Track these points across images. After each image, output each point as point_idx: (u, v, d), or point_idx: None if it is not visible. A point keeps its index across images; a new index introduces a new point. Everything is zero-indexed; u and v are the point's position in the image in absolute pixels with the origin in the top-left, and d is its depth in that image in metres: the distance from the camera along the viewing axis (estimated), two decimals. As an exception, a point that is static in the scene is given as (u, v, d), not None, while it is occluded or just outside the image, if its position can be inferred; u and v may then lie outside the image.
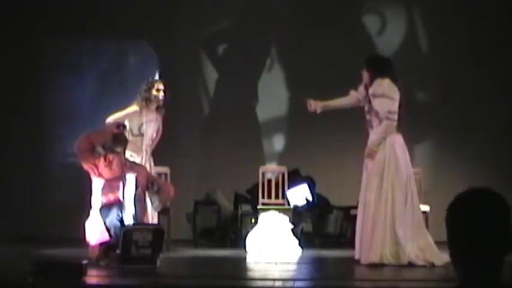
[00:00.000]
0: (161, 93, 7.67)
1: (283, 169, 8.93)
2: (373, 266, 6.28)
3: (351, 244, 8.28)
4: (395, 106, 6.52)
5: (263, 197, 8.72)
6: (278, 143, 9.92)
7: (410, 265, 6.26)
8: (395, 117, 6.51)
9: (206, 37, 9.98)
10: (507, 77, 9.38)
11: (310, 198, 9.05)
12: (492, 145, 9.30)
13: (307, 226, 8.86)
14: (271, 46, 9.95)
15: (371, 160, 6.57)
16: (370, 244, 6.37)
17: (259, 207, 8.54)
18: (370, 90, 6.54)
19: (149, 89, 7.64)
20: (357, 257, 6.57)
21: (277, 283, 5.59)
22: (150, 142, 7.76)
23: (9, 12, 9.65)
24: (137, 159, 7.41)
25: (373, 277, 6.19)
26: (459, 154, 9.36)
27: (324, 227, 8.94)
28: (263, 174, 8.87)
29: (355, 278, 6.00)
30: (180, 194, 8.24)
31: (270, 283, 5.62)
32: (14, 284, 4.93)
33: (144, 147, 7.64)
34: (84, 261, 5.73)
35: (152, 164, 7.80)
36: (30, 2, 9.73)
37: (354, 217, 9.05)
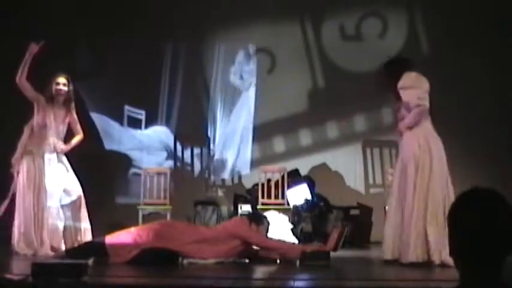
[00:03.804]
0: (60, 86, 7.41)
1: (283, 169, 8.94)
2: (411, 265, 6.23)
3: (350, 244, 8.30)
4: (424, 93, 6.52)
5: (263, 197, 8.73)
6: (278, 143, 9.94)
7: (443, 265, 6.17)
8: (426, 102, 6.50)
9: (207, 37, 10.00)
10: (508, 78, 9.39)
11: (310, 198, 9.06)
12: (492, 145, 9.31)
13: (307, 226, 8.87)
14: (272, 47, 9.96)
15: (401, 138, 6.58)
16: (408, 243, 6.30)
17: (259, 207, 8.55)
18: (399, 84, 6.51)
19: (51, 84, 7.42)
20: (387, 257, 6.51)
21: (277, 283, 5.59)
22: (59, 139, 7.47)
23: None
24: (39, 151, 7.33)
25: (373, 277, 6.19)
26: (459, 155, 9.36)
27: (324, 227, 8.95)
28: (263, 174, 8.88)
29: (355, 278, 5.99)
30: (180, 194, 8.27)
31: (270, 283, 5.62)
32: (14, 284, 4.92)
33: (51, 140, 7.40)
34: (84, 261, 5.74)
35: (68, 165, 7.52)
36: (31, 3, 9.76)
37: (354, 217, 9.10)
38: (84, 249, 6.51)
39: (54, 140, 7.39)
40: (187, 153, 9.93)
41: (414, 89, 6.52)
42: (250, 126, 9.89)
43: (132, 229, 6.68)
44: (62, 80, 7.44)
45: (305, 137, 9.83)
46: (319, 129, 9.80)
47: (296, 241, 7.89)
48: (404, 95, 6.51)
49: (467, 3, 9.56)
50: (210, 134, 9.91)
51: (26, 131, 7.46)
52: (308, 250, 6.48)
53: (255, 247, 6.65)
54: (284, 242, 6.82)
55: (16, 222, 7.25)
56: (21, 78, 7.27)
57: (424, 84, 6.58)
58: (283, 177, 8.82)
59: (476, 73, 9.40)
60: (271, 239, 6.71)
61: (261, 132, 9.88)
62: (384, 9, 9.83)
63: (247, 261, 6.63)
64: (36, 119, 7.39)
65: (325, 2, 9.89)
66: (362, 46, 9.74)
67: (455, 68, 9.36)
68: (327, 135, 9.81)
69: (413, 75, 6.58)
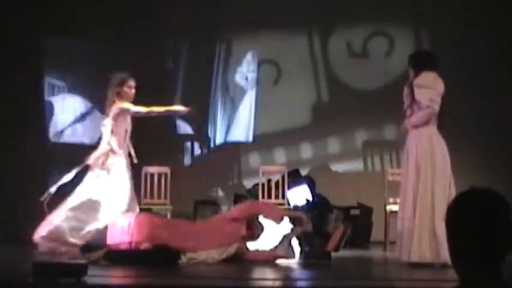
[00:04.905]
0: (133, 91, 7.47)
1: (283, 169, 8.94)
2: (413, 265, 6.22)
3: (350, 244, 8.30)
4: (437, 96, 6.52)
5: (263, 197, 8.73)
6: (278, 143, 9.93)
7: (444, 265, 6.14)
8: (436, 105, 6.50)
9: (208, 37, 10.00)
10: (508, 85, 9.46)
11: (310, 198, 9.05)
12: (493, 146, 9.31)
13: (307, 226, 8.85)
14: (277, 57, 9.98)
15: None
16: (411, 242, 6.29)
17: (259, 207, 8.55)
18: (415, 82, 6.52)
19: (120, 85, 7.43)
20: (397, 254, 6.52)
21: (277, 283, 5.59)
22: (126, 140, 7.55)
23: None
24: (116, 157, 7.35)
25: (373, 277, 6.19)
26: (459, 155, 9.36)
27: (324, 227, 8.94)
28: (263, 174, 8.88)
29: (355, 277, 5.99)
30: (180, 194, 8.27)
31: (270, 283, 5.62)
32: (14, 284, 4.92)
33: (125, 145, 7.47)
34: (84, 261, 5.75)
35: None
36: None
37: (354, 217, 9.09)
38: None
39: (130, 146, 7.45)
40: (187, 153, 9.92)
41: (429, 89, 6.51)
42: (251, 126, 9.90)
43: (130, 224, 6.69)
44: (134, 83, 7.48)
45: (305, 137, 9.85)
46: (319, 128, 9.81)
47: (296, 241, 7.90)
48: (418, 93, 6.51)
49: (474, 23, 9.56)
50: (210, 133, 9.91)
51: (108, 134, 7.40)
52: (289, 215, 6.85)
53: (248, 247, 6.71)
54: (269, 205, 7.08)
55: (51, 217, 7.19)
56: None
57: (439, 87, 6.56)
58: (283, 177, 8.82)
59: (481, 88, 9.45)
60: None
61: (262, 131, 9.88)
62: (390, 28, 9.85)
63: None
64: (118, 125, 7.37)
65: (333, 19, 9.89)
66: (368, 63, 9.79)
67: (461, 87, 9.28)
68: (327, 135, 9.83)
69: (431, 76, 6.56)
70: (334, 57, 9.90)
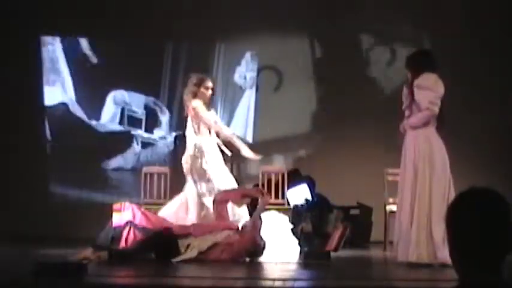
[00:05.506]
0: (209, 92, 7.52)
1: (283, 169, 8.94)
2: (410, 265, 6.23)
3: (350, 244, 8.30)
4: (437, 99, 6.49)
5: (263, 197, 8.72)
6: (278, 143, 9.93)
7: (443, 265, 6.15)
8: (436, 108, 6.47)
9: (207, 38, 10.01)
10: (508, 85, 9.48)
11: (310, 198, 9.05)
12: (493, 146, 9.32)
13: (307, 226, 8.85)
14: (278, 62, 10.00)
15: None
16: (408, 242, 6.30)
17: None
18: (416, 82, 6.48)
19: (198, 85, 7.46)
20: (394, 254, 6.55)
21: (277, 283, 5.58)
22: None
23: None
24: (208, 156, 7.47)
25: (373, 276, 6.19)
26: (459, 155, 9.37)
27: (324, 226, 8.94)
28: (263, 174, 8.87)
29: (355, 277, 5.99)
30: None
31: (270, 283, 5.61)
32: (14, 284, 4.92)
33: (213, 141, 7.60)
34: (85, 261, 5.76)
35: None
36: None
37: (354, 217, 9.10)
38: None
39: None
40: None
41: (429, 91, 6.47)
42: (251, 126, 9.91)
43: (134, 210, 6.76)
44: (211, 84, 7.53)
45: (305, 137, 9.85)
46: (319, 128, 9.82)
47: (296, 241, 7.92)
48: (418, 94, 6.48)
49: (474, 23, 9.56)
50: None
51: (192, 135, 7.50)
52: (245, 193, 7.27)
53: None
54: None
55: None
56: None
57: (440, 89, 6.52)
58: (283, 177, 8.82)
59: (481, 88, 9.46)
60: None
61: (261, 131, 9.89)
62: (391, 31, 9.87)
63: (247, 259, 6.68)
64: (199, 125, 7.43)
65: (334, 22, 9.90)
66: (370, 71, 9.81)
67: (461, 87, 9.27)
68: (328, 135, 9.84)
69: (432, 78, 6.52)
70: (335, 60, 9.88)
